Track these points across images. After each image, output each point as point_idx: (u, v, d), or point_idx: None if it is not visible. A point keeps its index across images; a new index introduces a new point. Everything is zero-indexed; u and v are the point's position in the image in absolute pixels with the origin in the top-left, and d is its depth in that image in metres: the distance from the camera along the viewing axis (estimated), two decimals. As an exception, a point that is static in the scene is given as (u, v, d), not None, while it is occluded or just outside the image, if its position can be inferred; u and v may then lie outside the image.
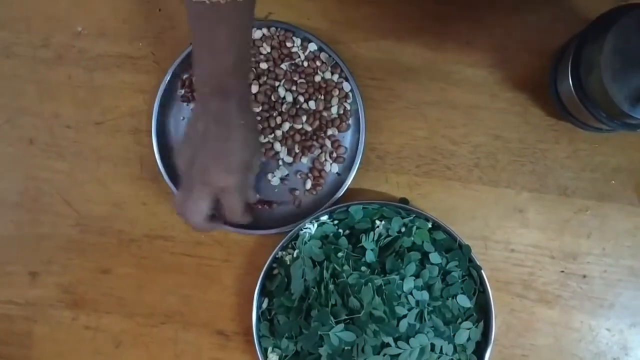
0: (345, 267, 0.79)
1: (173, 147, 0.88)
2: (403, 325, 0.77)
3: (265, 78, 0.87)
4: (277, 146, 0.87)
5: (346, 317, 0.77)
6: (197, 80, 0.74)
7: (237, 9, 0.67)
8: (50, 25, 0.90)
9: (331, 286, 0.78)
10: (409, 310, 0.78)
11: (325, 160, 0.87)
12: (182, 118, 0.88)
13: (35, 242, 0.90)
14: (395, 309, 0.77)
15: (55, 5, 0.90)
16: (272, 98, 0.87)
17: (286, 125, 0.87)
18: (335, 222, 0.85)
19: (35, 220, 0.90)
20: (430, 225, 0.83)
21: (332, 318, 0.76)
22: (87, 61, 0.89)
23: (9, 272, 0.90)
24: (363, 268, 0.80)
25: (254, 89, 0.87)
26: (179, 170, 0.76)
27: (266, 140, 0.87)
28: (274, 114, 0.87)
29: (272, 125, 0.87)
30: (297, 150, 0.87)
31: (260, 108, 0.87)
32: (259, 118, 0.87)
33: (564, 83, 0.78)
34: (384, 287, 0.77)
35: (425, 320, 0.78)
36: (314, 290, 0.79)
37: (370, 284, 0.77)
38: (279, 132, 0.87)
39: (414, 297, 0.79)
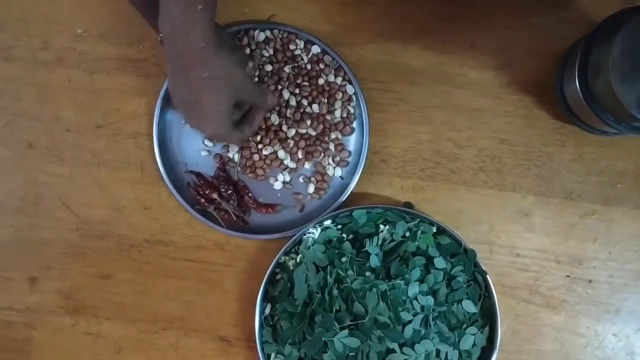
0: (350, 272, 0.78)
1: (174, 150, 0.87)
2: (408, 331, 0.76)
3: (269, 80, 0.86)
4: (281, 154, 0.86)
5: (350, 323, 0.76)
6: (161, 18, 0.70)
7: None
8: (49, 27, 0.89)
9: (335, 291, 0.77)
10: (414, 315, 0.77)
11: (329, 164, 0.86)
12: (183, 122, 0.87)
13: (34, 247, 0.89)
14: (400, 315, 0.76)
15: (55, 8, 0.89)
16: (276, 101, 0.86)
17: (292, 132, 0.86)
18: (339, 226, 0.84)
19: (35, 225, 0.89)
20: (434, 230, 0.82)
21: (336, 324, 0.76)
22: (88, 64, 0.89)
23: (8, 277, 0.89)
24: (367, 273, 0.80)
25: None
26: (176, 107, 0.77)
27: (272, 149, 0.86)
28: (280, 121, 0.86)
29: (278, 132, 0.87)
30: (300, 156, 0.86)
31: (268, 114, 0.87)
32: (263, 126, 0.86)
33: (570, 86, 0.77)
34: (388, 293, 0.77)
35: (430, 325, 0.78)
36: (318, 295, 0.78)
37: (375, 289, 0.76)
38: (283, 137, 0.86)
39: (419, 303, 0.78)
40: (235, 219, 0.86)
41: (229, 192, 0.86)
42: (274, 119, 0.86)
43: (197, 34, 0.68)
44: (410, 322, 0.76)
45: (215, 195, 0.85)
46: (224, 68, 0.72)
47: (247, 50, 0.87)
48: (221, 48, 0.72)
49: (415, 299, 0.78)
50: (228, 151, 0.87)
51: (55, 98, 0.89)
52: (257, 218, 0.88)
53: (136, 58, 0.88)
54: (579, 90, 0.75)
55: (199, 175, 0.87)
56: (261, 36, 0.87)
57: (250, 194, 0.87)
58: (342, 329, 0.76)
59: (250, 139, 0.86)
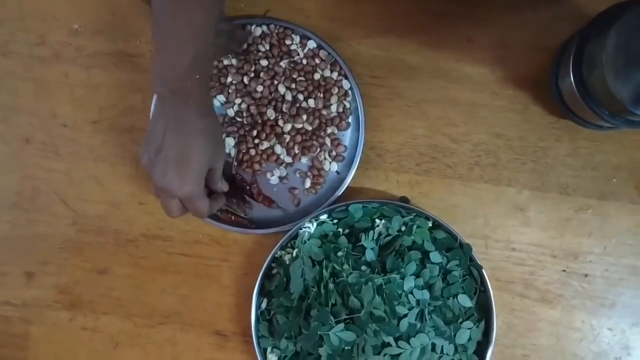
0: (345, 267, 0.78)
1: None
2: (404, 324, 0.76)
3: (265, 75, 0.86)
4: (278, 149, 0.86)
5: (346, 317, 0.76)
6: (155, 80, 0.73)
7: (199, 2, 0.67)
8: (46, 23, 0.89)
9: (331, 285, 0.77)
10: (410, 309, 0.77)
11: (325, 158, 0.86)
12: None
13: (31, 242, 0.89)
14: (395, 309, 0.76)
15: (51, 3, 0.89)
16: (272, 96, 0.87)
17: (288, 126, 0.86)
18: (335, 221, 0.84)
19: (31, 220, 0.89)
20: (430, 224, 0.82)
21: (332, 318, 0.76)
22: (84, 59, 0.89)
23: (5, 272, 0.89)
24: (363, 267, 0.80)
25: (258, 88, 0.86)
26: (141, 165, 0.75)
27: (268, 144, 0.87)
28: (277, 116, 0.86)
29: (274, 127, 0.87)
30: (296, 150, 0.86)
31: (264, 109, 0.87)
32: (259, 121, 0.86)
33: (565, 80, 0.78)
34: (384, 287, 0.77)
35: (425, 319, 0.78)
36: (314, 289, 0.78)
37: (370, 283, 0.76)
38: (279, 132, 0.86)
39: (414, 297, 0.78)
40: (234, 219, 0.86)
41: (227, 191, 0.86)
42: (270, 113, 0.86)
43: (199, 97, 0.72)
44: (405, 316, 0.76)
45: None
46: (216, 127, 0.76)
47: (245, 46, 0.87)
48: (212, 108, 0.77)
49: (411, 293, 0.78)
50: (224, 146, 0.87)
51: (51, 93, 0.89)
52: (254, 213, 0.88)
53: (132, 53, 0.88)
54: (574, 85, 0.75)
55: None
56: (257, 31, 0.87)
57: (255, 185, 0.87)
58: (337, 322, 0.76)
59: (246, 133, 0.86)
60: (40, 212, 0.89)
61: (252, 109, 0.87)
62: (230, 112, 0.87)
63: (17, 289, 0.89)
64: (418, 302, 0.78)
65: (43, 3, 0.89)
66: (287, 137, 0.86)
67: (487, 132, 0.86)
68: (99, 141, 0.89)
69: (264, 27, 0.87)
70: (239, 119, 0.87)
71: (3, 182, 0.89)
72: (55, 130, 0.89)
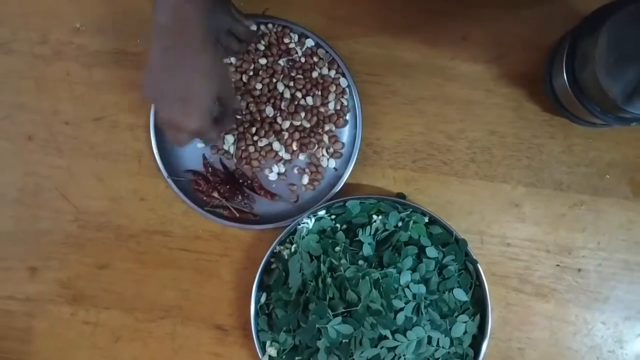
0: (343, 261, 0.80)
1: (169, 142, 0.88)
2: (400, 318, 0.77)
3: (264, 74, 0.87)
4: (276, 145, 0.87)
5: (344, 310, 0.77)
6: (156, 7, 0.69)
7: None
8: (48, 21, 0.90)
9: (329, 280, 0.79)
10: (406, 303, 0.78)
11: (323, 155, 0.87)
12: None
13: (34, 237, 0.90)
14: (392, 302, 0.77)
15: (53, 2, 0.90)
16: (271, 94, 0.87)
17: (286, 124, 0.87)
18: (333, 216, 0.85)
19: (34, 216, 0.90)
20: (426, 220, 0.83)
21: (329, 311, 0.77)
22: (86, 57, 0.90)
23: (8, 267, 0.90)
24: (360, 262, 0.81)
25: (257, 85, 0.87)
26: (144, 96, 0.74)
27: (267, 141, 0.88)
28: (275, 113, 0.87)
29: (273, 124, 0.88)
30: (294, 147, 0.87)
31: (263, 106, 0.88)
32: (258, 118, 0.87)
33: (558, 78, 0.79)
34: (381, 281, 0.78)
35: (422, 313, 0.79)
36: (312, 284, 0.79)
37: (367, 277, 0.77)
38: (278, 130, 0.87)
39: (410, 291, 0.79)
40: (239, 215, 0.87)
41: (227, 187, 0.87)
42: (269, 111, 0.87)
43: (198, 24, 0.69)
44: (402, 309, 0.78)
45: (215, 194, 0.87)
46: (218, 60, 0.74)
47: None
48: (216, 41, 0.72)
49: (407, 287, 0.79)
50: (223, 143, 0.88)
51: (53, 91, 0.90)
52: (256, 207, 0.89)
53: (133, 52, 0.89)
54: (567, 82, 0.76)
55: (195, 173, 0.88)
56: (256, 29, 0.87)
57: (256, 180, 0.88)
58: (335, 316, 0.77)
59: (245, 130, 0.87)
60: (42, 208, 0.90)
61: (251, 106, 0.87)
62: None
63: (21, 284, 0.90)
64: (414, 296, 0.79)
65: (45, 1, 0.90)
66: (286, 134, 0.87)
67: (482, 129, 0.87)
68: (100, 138, 0.90)
69: (263, 27, 0.88)
70: (238, 117, 0.87)
71: (6, 179, 0.90)
72: (57, 127, 0.90)
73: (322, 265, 0.80)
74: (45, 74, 0.90)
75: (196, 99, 0.71)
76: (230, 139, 0.88)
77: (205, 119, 0.73)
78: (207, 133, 0.74)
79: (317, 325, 0.77)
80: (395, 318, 0.77)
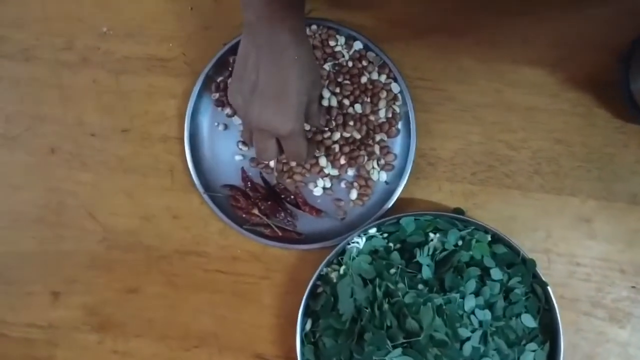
0: (400, 285, 0.74)
1: (206, 155, 0.84)
2: (467, 348, 0.72)
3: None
4: (323, 161, 0.82)
5: (404, 341, 0.71)
6: (245, 6, 0.67)
7: None
8: (73, 25, 0.86)
9: (385, 306, 0.73)
10: (472, 332, 0.73)
11: (373, 168, 0.82)
12: (216, 124, 0.83)
13: (57, 259, 0.86)
14: (458, 331, 0.71)
15: (78, 4, 0.86)
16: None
17: (336, 135, 0.81)
18: (385, 235, 0.79)
19: (58, 236, 0.86)
20: (489, 238, 0.78)
21: (388, 342, 0.71)
22: (113, 64, 0.86)
23: (30, 292, 0.86)
24: (420, 286, 0.75)
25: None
26: (235, 111, 0.71)
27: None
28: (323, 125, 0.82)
29: (317, 134, 0.82)
30: (342, 161, 0.82)
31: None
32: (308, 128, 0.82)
33: (637, 80, 0.73)
34: (444, 307, 0.72)
35: (488, 342, 0.73)
36: (367, 310, 0.73)
37: (429, 303, 0.71)
38: (326, 142, 0.82)
39: (476, 317, 0.74)
40: (281, 234, 0.82)
41: (269, 203, 0.82)
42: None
43: (293, 21, 0.66)
44: (468, 339, 0.72)
45: (255, 211, 0.82)
46: (312, 54, 0.71)
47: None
48: (305, 32, 0.71)
49: (473, 313, 0.74)
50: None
51: (78, 100, 0.86)
52: (300, 225, 0.84)
53: (165, 57, 0.85)
54: (650, 86, 0.70)
55: (233, 188, 0.83)
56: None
57: (299, 195, 0.83)
58: (395, 347, 0.71)
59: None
60: (66, 228, 0.86)
61: None
62: None
63: (43, 310, 0.86)
64: (480, 323, 0.74)
65: (69, 4, 0.86)
66: (336, 147, 0.82)
67: (547, 138, 0.82)
68: (129, 151, 0.86)
69: (306, 29, 0.82)
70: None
71: (27, 196, 0.86)
72: (82, 139, 0.86)
73: (377, 289, 0.74)
74: (70, 82, 0.86)
75: (291, 95, 0.67)
76: None
77: (300, 121, 0.69)
78: (299, 138, 0.70)
79: (374, 358, 0.71)
80: (461, 349, 0.71)
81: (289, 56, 0.66)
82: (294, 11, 0.66)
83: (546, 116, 0.82)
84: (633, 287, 0.81)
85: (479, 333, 0.72)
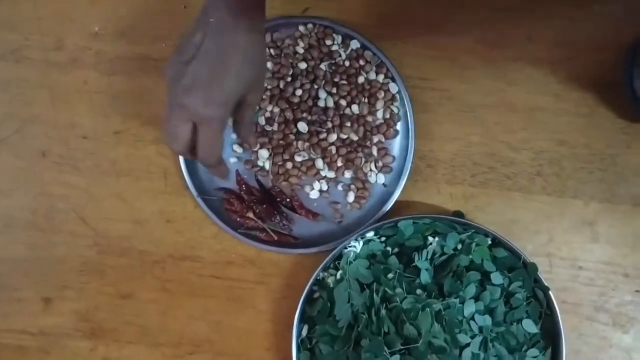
0: (398, 290, 0.73)
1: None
2: (466, 355, 0.71)
3: (303, 79, 0.81)
4: (319, 163, 0.80)
5: (402, 347, 0.70)
6: None
7: None
8: (63, 25, 0.85)
9: (383, 311, 0.72)
10: (472, 338, 0.72)
11: (370, 170, 0.81)
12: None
13: (48, 265, 0.85)
14: (457, 337, 0.70)
15: (69, 4, 0.85)
16: (312, 102, 0.81)
17: (332, 137, 0.80)
18: (383, 239, 0.79)
19: (49, 241, 0.85)
20: (489, 242, 0.77)
21: (386, 348, 0.70)
22: (105, 64, 0.85)
23: (21, 298, 0.85)
24: (418, 291, 0.74)
25: (297, 92, 0.81)
26: (166, 78, 0.68)
27: (307, 156, 0.81)
28: (316, 125, 0.81)
29: (313, 136, 0.81)
30: (339, 163, 0.80)
31: (300, 115, 0.81)
32: (294, 131, 0.81)
33: (641, 80, 0.71)
34: (443, 313, 0.71)
35: (489, 348, 0.72)
36: (364, 316, 0.73)
37: (428, 309, 0.71)
38: (322, 144, 0.81)
39: (476, 323, 0.73)
40: (277, 238, 0.81)
41: (264, 207, 0.81)
42: (310, 122, 0.81)
43: (251, 21, 0.65)
44: (468, 345, 0.71)
45: (250, 215, 0.81)
46: (263, 58, 0.70)
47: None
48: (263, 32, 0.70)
49: (472, 318, 0.73)
50: (257, 158, 0.82)
51: (69, 102, 0.85)
52: (296, 229, 0.83)
53: (158, 57, 0.84)
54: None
55: (228, 191, 0.82)
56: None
57: (295, 198, 0.81)
58: (392, 354, 0.70)
59: (281, 144, 0.81)
60: (58, 233, 0.85)
61: (289, 116, 0.81)
62: (263, 121, 0.82)
63: (34, 316, 0.85)
64: (480, 329, 0.73)
65: (60, 4, 0.85)
66: (330, 149, 0.81)
67: (549, 139, 0.81)
68: (121, 154, 0.84)
69: (302, 27, 0.82)
70: (273, 128, 0.82)
71: (17, 200, 0.85)
72: (73, 142, 0.85)
73: (374, 295, 0.73)
74: (61, 83, 0.85)
75: (225, 79, 0.65)
76: (265, 153, 0.81)
77: (224, 110, 0.66)
78: (216, 131, 0.67)
79: (372, 364, 0.69)
80: (460, 355, 0.71)
81: (236, 39, 0.64)
82: (254, 12, 0.66)
83: (548, 116, 0.81)
84: (637, 291, 0.80)
85: (478, 339, 0.71)
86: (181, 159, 0.81)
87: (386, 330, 0.71)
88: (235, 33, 0.64)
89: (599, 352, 0.80)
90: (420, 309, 0.70)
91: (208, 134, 0.67)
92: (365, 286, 0.75)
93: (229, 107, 0.67)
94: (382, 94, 0.80)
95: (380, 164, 0.80)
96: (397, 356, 0.69)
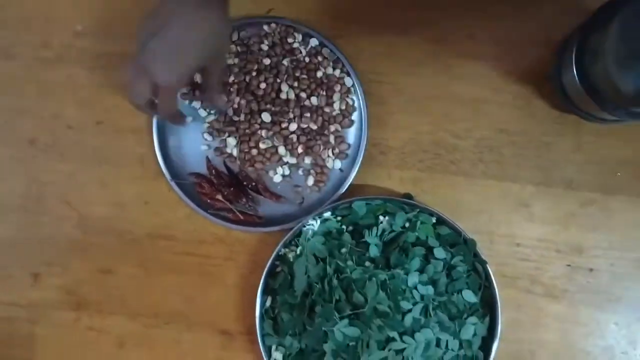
0: (349, 263, 0.78)
1: (173, 145, 0.88)
2: (408, 319, 0.76)
3: (267, 74, 0.86)
4: (282, 150, 0.86)
5: (350, 313, 0.76)
6: None
7: None
8: (49, 25, 0.89)
9: (335, 282, 0.77)
10: (414, 304, 0.77)
11: (328, 156, 0.86)
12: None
13: (37, 244, 0.89)
14: (400, 304, 0.76)
15: (53, 5, 0.89)
16: (275, 95, 0.87)
17: (293, 126, 0.86)
18: (339, 218, 0.84)
19: (37, 222, 0.89)
20: (434, 220, 0.82)
21: (336, 314, 0.76)
22: (88, 60, 0.89)
23: (10, 274, 0.89)
24: (367, 263, 0.79)
25: (261, 85, 0.86)
26: (137, 42, 0.71)
27: (270, 143, 0.86)
28: (279, 115, 0.86)
29: (276, 125, 0.86)
30: (300, 150, 0.86)
31: (264, 106, 0.87)
32: (259, 120, 0.86)
33: (568, 74, 0.77)
34: (388, 282, 0.76)
35: (430, 315, 0.77)
36: (317, 286, 0.78)
37: (374, 278, 0.76)
38: (284, 133, 0.86)
39: (418, 292, 0.78)
40: (243, 217, 0.86)
41: (232, 190, 0.86)
42: (272, 112, 0.86)
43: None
44: (410, 311, 0.76)
45: (219, 197, 0.86)
46: (223, 20, 0.72)
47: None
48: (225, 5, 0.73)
49: (415, 288, 0.78)
50: (226, 146, 0.87)
51: (55, 95, 0.89)
52: (261, 209, 0.88)
53: (134, 54, 0.86)
54: (577, 78, 0.75)
55: (199, 176, 0.87)
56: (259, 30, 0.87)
57: (260, 182, 0.87)
58: (342, 318, 0.75)
59: (248, 132, 0.86)
60: (45, 214, 0.89)
61: (254, 107, 0.86)
62: (230, 112, 0.87)
63: (23, 290, 0.89)
64: (422, 297, 0.78)
65: (45, 5, 0.89)
66: (293, 137, 0.86)
67: (490, 128, 0.86)
68: (103, 142, 0.89)
69: (266, 27, 0.87)
70: (240, 119, 0.87)
71: (8, 185, 0.89)
72: (59, 131, 0.89)
73: (328, 267, 0.78)
74: (47, 77, 0.89)
75: (188, 51, 0.70)
76: (232, 141, 0.87)
77: (184, 81, 0.72)
78: (173, 96, 0.73)
79: (323, 328, 0.76)
80: (403, 320, 0.76)
81: (200, 15, 0.68)
82: None
83: (490, 108, 0.86)
84: (568, 265, 0.85)
85: (420, 306, 0.77)
86: (156, 146, 0.86)
87: (337, 298, 0.76)
88: (198, 9, 0.68)
89: (534, 320, 0.85)
90: (368, 278, 0.76)
91: (166, 95, 0.73)
92: (320, 260, 0.80)
93: (186, 77, 0.72)
94: (339, 87, 0.85)
95: (337, 150, 0.86)
96: (346, 320, 0.75)
